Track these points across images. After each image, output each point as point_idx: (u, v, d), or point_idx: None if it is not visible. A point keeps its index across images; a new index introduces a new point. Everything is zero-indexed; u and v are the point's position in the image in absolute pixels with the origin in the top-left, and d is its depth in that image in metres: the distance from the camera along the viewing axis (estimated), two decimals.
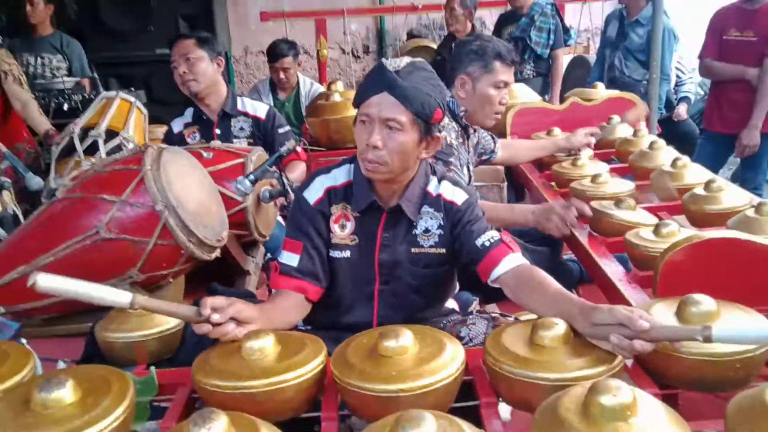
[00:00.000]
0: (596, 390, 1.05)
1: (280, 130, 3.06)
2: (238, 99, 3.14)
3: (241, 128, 3.07)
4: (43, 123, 3.46)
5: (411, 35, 6.44)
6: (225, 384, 1.28)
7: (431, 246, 1.77)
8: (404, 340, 1.33)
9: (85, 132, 3.18)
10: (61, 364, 1.80)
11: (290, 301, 1.71)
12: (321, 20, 6.09)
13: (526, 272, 1.65)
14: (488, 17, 6.43)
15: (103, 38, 5.16)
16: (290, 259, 1.72)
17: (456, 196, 1.77)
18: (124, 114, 3.42)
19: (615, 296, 1.90)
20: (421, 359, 1.31)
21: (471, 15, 4.91)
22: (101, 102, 3.44)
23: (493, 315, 1.77)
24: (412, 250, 1.77)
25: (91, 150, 3.11)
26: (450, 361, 1.31)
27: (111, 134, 3.23)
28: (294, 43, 4.76)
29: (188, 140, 3.06)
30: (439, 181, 1.80)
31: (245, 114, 3.10)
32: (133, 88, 4.92)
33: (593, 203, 2.32)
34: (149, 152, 2.12)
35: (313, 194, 1.76)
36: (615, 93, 3.78)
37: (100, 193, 2.09)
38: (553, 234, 2.29)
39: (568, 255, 2.65)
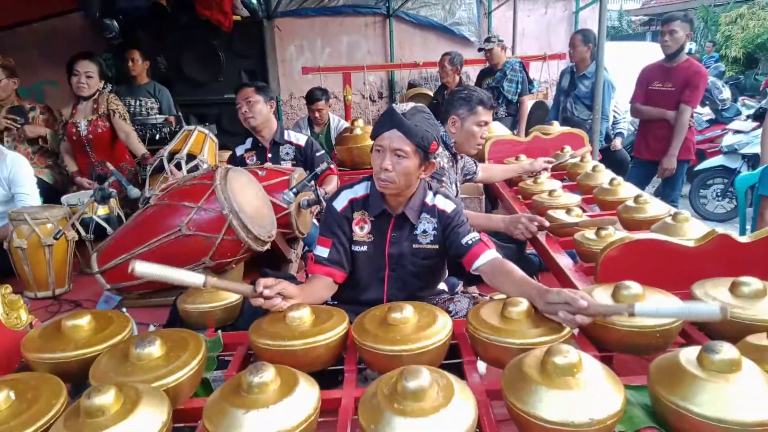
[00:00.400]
0: (551, 352, 1.04)
1: (317, 154, 3.06)
2: (285, 131, 3.14)
3: (287, 153, 3.08)
4: (140, 149, 3.47)
5: (411, 85, 6.44)
6: (273, 343, 1.29)
7: (428, 243, 1.78)
8: (407, 313, 1.33)
9: (171, 155, 3.19)
10: (151, 327, 1.81)
11: (322, 283, 1.73)
12: (347, 73, 6.11)
13: (498, 263, 1.66)
14: (472, 72, 6.42)
15: (186, 86, 5.19)
16: (322, 251, 1.76)
17: (447, 206, 1.79)
18: (201, 142, 3.42)
19: (566, 282, 1.88)
20: (419, 327, 1.31)
21: (458, 70, 4.91)
22: (183, 133, 3.44)
23: (474, 295, 1.77)
24: (413, 246, 1.78)
25: (177, 169, 3.12)
26: (441, 329, 1.31)
27: (190, 157, 3.24)
28: (326, 90, 4.77)
29: (247, 162, 3.07)
30: (434, 194, 1.81)
31: (290, 143, 3.10)
32: (207, 123, 4.94)
33: (550, 212, 2.30)
34: (219, 171, 2.13)
35: (340, 204, 1.79)
36: (567, 129, 3.76)
37: (182, 201, 2.10)
38: (519, 239, 2.28)
39: (530, 250, 2.63)
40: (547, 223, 2.25)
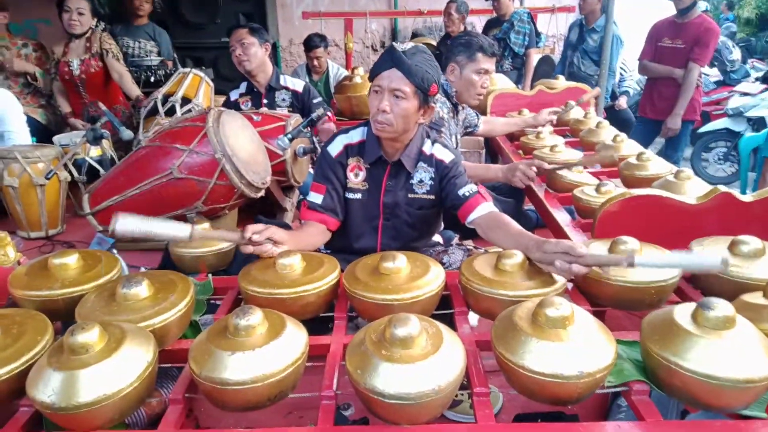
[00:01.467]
0: (543, 304, 1.02)
1: (314, 101, 2.97)
2: (281, 76, 3.04)
3: (283, 99, 2.99)
4: (134, 90, 3.38)
5: (415, 35, 6.24)
6: (262, 290, 1.26)
7: (424, 193, 1.74)
8: (399, 263, 1.30)
9: (165, 98, 3.11)
10: (142, 269, 1.79)
11: (315, 230, 1.70)
12: (349, 20, 5.91)
13: (494, 217, 1.62)
14: (477, 22, 6.21)
15: (182, 28, 5.02)
16: (316, 198, 1.71)
17: (444, 155, 1.73)
18: (196, 86, 3.33)
19: (563, 237, 1.86)
20: (412, 277, 1.28)
21: (464, 19, 4.74)
22: (178, 76, 3.35)
23: (468, 247, 1.74)
24: (409, 195, 1.74)
25: (170, 112, 3.05)
26: (433, 280, 1.29)
27: (185, 101, 3.16)
28: (324, 36, 4.61)
29: (242, 107, 2.99)
30: (433, 143, 1.75)
31: (286, 88, 3.01)
32: (203, 67, 4.80)
33: (548, 167, 2.25)
34: (211, 113, 2.07)
35: (335, 149, 1.73)
36: (572, 84, 3.66)
37: (174, 143, 2.04)
38: (517, 185, 2.24)
39: (528, 206, 2.60)
40: (546, 165, 2.21)
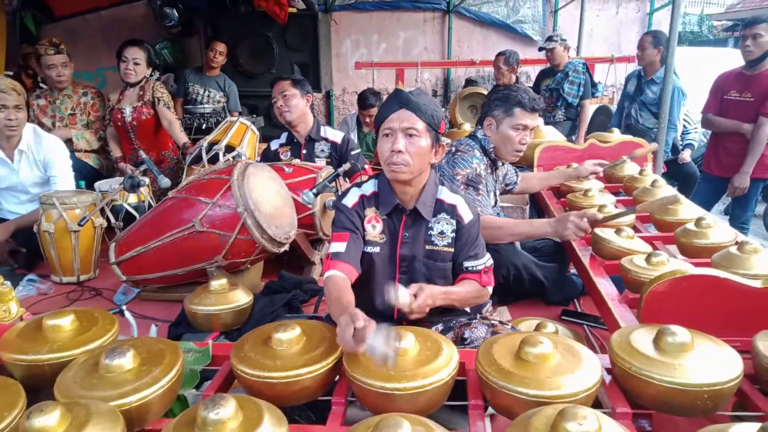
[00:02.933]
0: (565, 416, 0.85)
1: (352, 153, 2.90)
2: (321, 127, 3.00)
3: (322, 150, 2.94)
4: (182, 138, 3.44)
5: (469, 82, 6.16)
6: (251, 372, 1.13)
7: (445, 245, 1.63)
8: (406, 343, 1.15)
9: (210, 146, 3.15)
10: (153, 328, 1.72)
11: (341, 284, 1.52)
12: (400, 70, 5.95)
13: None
14: (533, 72, 6.10)
15: (238, 77, 5.16)
16: (339, 247, 1.58)
17: (465, 213, 1.63)
18: (241, 134, 3.36)
19: (607, 313, 1.65)
20: (419, 361, 1.13)
21: (514, 70, 4.64)
22: (225, 124, 3.40)
23: (493, 322, 1.56)
24: (427, 247, 1.62)
25: (213, 160, 3.07)
26: (443, 366, 1.12)
27: (229, 149, 3.19)
28: (379, 93, 4.61)
29: (281, 157, 2.95)
30: (453, 192, 1.66)
31: (326, 139, 2.95)
32: (256, 115, 4.91)
33: (597, 230, 2.04)
34: (238, 166, 2.02)
35: (350, 200, 1.64)
36: (627, 137, 3.43)
37: (199, 195, 2.01)
38: (569, 239, 2.03)
39: (574, 271, 2.38)
40: (599, 216, 2.00)
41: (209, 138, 3.25)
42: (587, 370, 1.10)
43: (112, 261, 2.10)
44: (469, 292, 1.60)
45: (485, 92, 5.65)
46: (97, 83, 5.54)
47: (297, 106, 2.86)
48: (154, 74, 3.51)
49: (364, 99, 4.51)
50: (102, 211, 2.53)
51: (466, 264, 1.60)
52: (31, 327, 1.30)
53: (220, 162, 3.04)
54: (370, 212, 1.63)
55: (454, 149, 2.21)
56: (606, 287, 1.78)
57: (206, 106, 4.34)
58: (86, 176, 3.22)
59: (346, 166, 2.14)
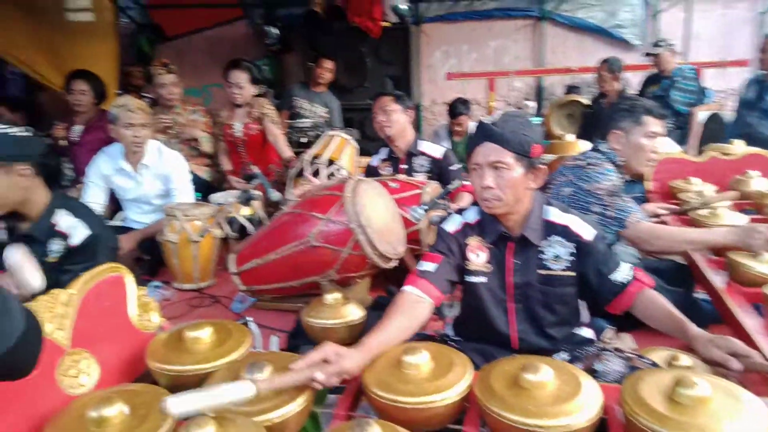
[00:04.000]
0: None
1: (452, 168, 2.88)
2: (420, 142, 3.00)
3: (422, 164, 2.93)
4: (286, 152, 3.57)
5: (569, 89, 5.93)
6: (385, 396, 1.13)
7: (562, 269, 1.53)
8: (544, 375, 1.10)
9: (313, 160, 3.24)
10: (273, 339, 1.77)
11: (411, 313, 1.47)
12: (491, 79, 5.86)
13: (649, 295, 1.51)
14: (633, 78, 5.78)
15: (334, 91, 5.26)
16: (428, 266, 1.56)
17: (583, 230, 1.54)
18: (341, 148, 3.43)
19: (750, 344, 1.50)
20: (559, 396, 1.07)
21: (617, 77, 4.43)
22: (325, 138, 3.48)
23: (629, 355, 1.45)
24: (540, 272, 1.54)
25: (315, 173, 3.15)
26: (588, 404, 1.05)
27: (330, 163, 3.26)
28: (468, 102, 4.57)
29: (382, 172, 2.99)
30: (564, 212, 1.57)
31: (425, 154, 2.95)
32: (351, 128, 5.00)
33: (729, 254, 1.87)
34: (350, 182, 2.06)
35: (451, 226, 1.61)
36: (754, 149, 3.12)
37: (312, 211, 2.06)
38: (756, 251, 1.85)
39: (701, 295, 2.19)
40: None
41: (311, 152, 3.34)
42: (752, 419, 0.99)
43: (232, 271, 2.20)
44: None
45: (584, 100, 5.44)
46: (203, 99, 5.89)
47: (398, 121, 2.88)
48: (261, 89, 3.67)
49: (454, 108, 4.49)
50: (219, 222, 2.66)
51: (615, 277, 1.50)
52: (173, 337, 1.37)
53: (323, 175, 3.12)
54: (473, 241, 1.58)
55: (583, 163, 2.14)
56: (749, 319, 1.62)
57: (306, 120, 4.48)
58: (200, 188, 3.42)
59: (456, 183, 2.12)
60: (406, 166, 2.93)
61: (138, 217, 3.09)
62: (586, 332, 1.64)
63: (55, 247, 1.84)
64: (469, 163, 1.52)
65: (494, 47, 6.39)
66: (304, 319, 1.85)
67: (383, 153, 3.05)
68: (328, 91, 4.87)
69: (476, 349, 1.58)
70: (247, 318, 1.74)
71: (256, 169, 2.82)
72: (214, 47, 6.04)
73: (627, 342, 1.89)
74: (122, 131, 2.79)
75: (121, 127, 2.78)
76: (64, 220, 1.84)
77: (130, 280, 1.44)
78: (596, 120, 2.39)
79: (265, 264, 2.11)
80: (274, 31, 5.46)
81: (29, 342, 0.92)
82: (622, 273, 1.51)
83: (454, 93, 6.12)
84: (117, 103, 2.85)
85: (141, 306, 1.47)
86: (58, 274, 1.82)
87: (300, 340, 1.88)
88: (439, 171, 2.88)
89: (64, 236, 1.84)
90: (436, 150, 2.95)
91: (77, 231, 1.85)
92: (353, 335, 1.86)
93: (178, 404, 0.97)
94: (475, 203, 1.65)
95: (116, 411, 1.04)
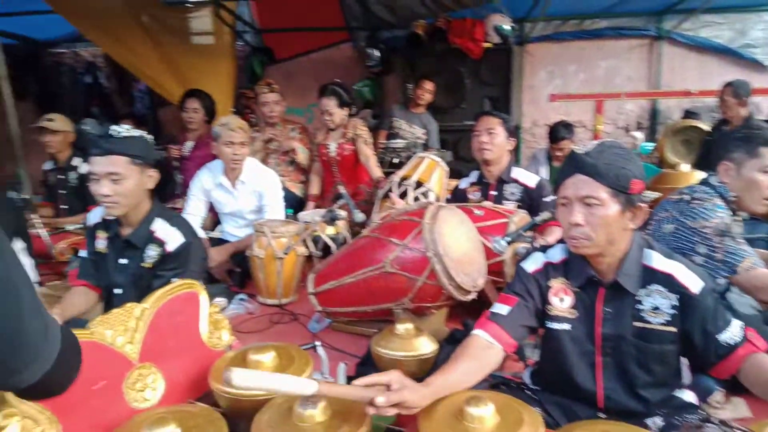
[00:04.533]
0: None
1: (545, 199, 2.69)
2: (514, 169, 2.84)
3: (512, 192, 2.77)
4: (377, 172, 3.58)
5: (687, 114, 5.43)
6: None
7: (661, 324, 1.33)
8: None
9: (401, 181, 3.21)
10: (341, 366, 1.73)
11: (482, 353, 1.37)
12: (600, 101, 5.51)
13: (760, 360, 1.27)
14: (764, 104, 5.18)
15: (431, 111, 5.25)
16: (501, 308, 1.44)
17: (690, 281, 1.33)
18: (431, 170, 3.37)
19: None
20: None
21: (744, 103, 3.96)
22: (416, 159, 3.45)
23: (742, 430, 1.23)
24: (636, 324, 1.35)
25: (403, 195, 3.12)
26: None
27: (419, 184, 3.21)
28: (572, 126, 4.32)
29: (469, 196, 2.87)
30: (667, 257, 1.37)
31: (517, 181, 2.78)
32: (443, 149, 4.94)
33: None
34: (430, 209, 1.99)
35: (531, 265, 1.47)
36: None
37: (390, 236, 2.01)
38: None
39: None
40: None
41: (400, 173, 3.32)
42: None
43: (310, 291, 2.21)
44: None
45: (705, 127, 4.95)
46: (307, 118, 6.13)
47: (500, 145, 2.74)
48: (353, 111, 3.70)
49: (556, 132, 4.26)
50: (304, 240, 2.70)
51: (724, 337, 1.29)
52: (237, 359, 1.38)
53: (410, 197, 3.08)
54: (557, 283, 1.43)
55: (688, 197, 1.91)
56: None
57: (399, 141, 4.49)
58: (292, 204, 3.53)
59: (546, 215, 1.96)
60: (495, 193, 2.79)
61: (233, 231, 3.23)
62: (688, 395, 1.43)
63: (152, 252, 1.96)
64: (558, 196, 1.38)
65: (605, 67, 6.04)
66: (373, 348, 1.80)
67: (473, 176, 2.94)
68: (427, 112, 4.89)
69: (557, 403, 1.44)
70: (317, 343, 1.71)
71: (342, 189, 2.84)
72: (319, 69, 6.27)
73: (740, 409, 1.63)
74: (223, 148, 2.94)
75: (222, 145, 2.94)
76: (161, 228, 1.96)
77: (204, 297, 1.47)
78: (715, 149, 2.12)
79: (340, 286, 2.09)
80: (376, 53, 5.55)
81: (66, 363, 0.95)
82: (732, 333, 1.30)
83: (557, 115, 5.85)
84: (220, 121, 3.01)
85: (212, 323, 1.50)
86: (150, 279, 1.94)
87: (369, 368, 1.82)
88: (530, 201, 2.71)
89: (160, 243, 1.95)
90: (531, 178, 2.78)
91: (173, 238, 1.95)
92: (424, 369, 1.77)
93: (241, 377, 1.01)
94: (562, 240, 1.51)
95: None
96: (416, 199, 3.08)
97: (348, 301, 2.12)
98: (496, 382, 1.67)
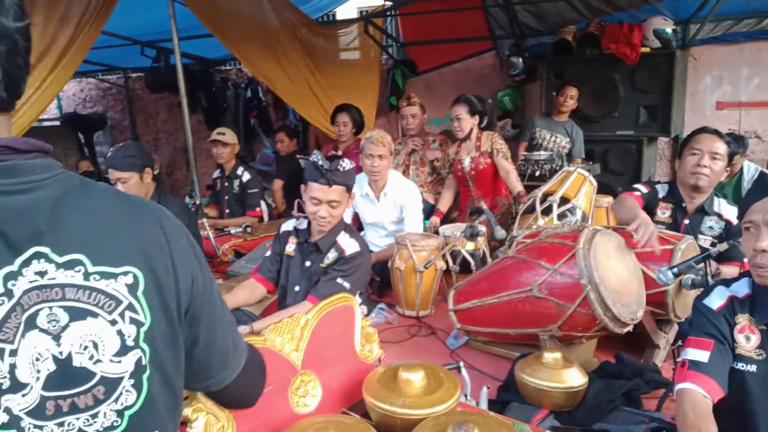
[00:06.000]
0: None
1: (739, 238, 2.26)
2: (717, 201, 2.40)
3: (710, 227, 2.36)
4: (518, 187, 3.47)
5: None
6: None
7: None
8: None
9: (545, 196, 3.09)
10: (484, 390, 1.71)
11: (702, 408, 1.24)
12: None
13: None
14: None
15: (577, 121, 4.99)
16: (698, 355, 1.30)
17: None
18: (578, 185, 3.21)
19: None
20: None
21: None
22: (562, 174, 3.30)
23: None
24: None
25: (547, 211, 3.00)
26: None
27: (564, 200, 3.07)
28: (743, 138, 3.85)
29: (657, 211, 2.47)
30: None
31: (719, 215, 2.38)
32: (592, 162, 4.68)
33: None
34: (585, 232, 1.89)
35: (715, 301, 1.34)
36: None
37: (539, 259, 1.95)
38: None
39: None
40: None
41: (544, 188, 3.19)
42: None
43: (450, 308, 2.22)
44: None
45: None
46: (443, 128, 6.17)
47: (719, 174, 2.32)
48: (483, 122, 3.60)
49: None
50: (444, 255, 2.72)
51: None
52: (388, 375, 1.42)
53: (554, 214, 2.96)
54: (742, 319, 1.30)
55: None
56: None
57: (542, 153, 4.33)
58: (430, 216, 3.57)
59: (722, 246, 1.75)
60: (688, 223, 2.38)
61: (375, 240, 3.35)
62: None
63: (331, 255, 2.24)
64: (744, 219, 1.26)
65: None
66: (518, 374, 1.76)
67: (664, 188, 2.50)
68: (571, 120, 4.67)
69: None
70: (460, 363, 1.71)
71: (483, 205, 2.80)
72: (460, 79, 6.28)
73: None
74: (364, 160, 3.08)
75: (364, 157, 3.07)
76: (343, 238, 2.26)
77: (358, 311, 1.55)
78: None
79: (482, 306, 2.07)
80: (521, 62, 5.42)
81: (252, 374, 1.04)
82: None
83: (724, 125, 5.25)
84: (367, 135, 3.14)
85: (364, 336, 1.56)
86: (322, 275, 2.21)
87: (511, 395, 1.78)
88: (726, 235, 2.31)
89: (340, 249, 2.24)
90: (735, 213, 2.31)
91: (351, 247, 2.24)
92: (573, 402, 1.70)
93: None
94: (743, 275, 1.35)
95: None
96: (561, 216, 2.95)
97: (489, 321, 2.09)
98: (656, 426, 1.55)
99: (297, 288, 2.26)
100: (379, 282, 3.06)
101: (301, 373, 1.34)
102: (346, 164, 2.11)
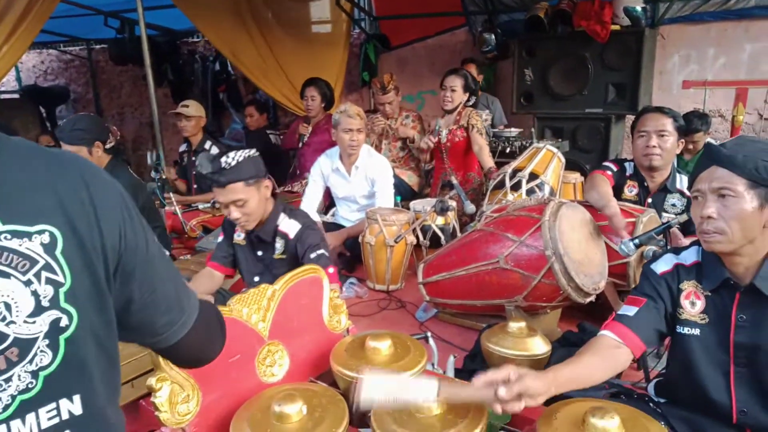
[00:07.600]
0: None
1: None
2: (678, 176, 2.41)
3: (673, 204, 2.41)
4: (489, 162, 3.51)
5: None
6: None
7: None
8: None
9: (515, 172, 3.13)
10: (450, 359, 1.74)
11: (609, 353, 1.33)
12: (743, 89, 4.96)
13: None
14: None
15: (548, 99, 5.06)
16: (628, 310, 1.38)
17: None
18: (547, 162, 3.25)
19: None
20: None
21: None
22: (531, 150, 3.35)
23: None
24: None
25: (516, 187, 3.04)
26: None
27: (533, 176, 3.12)
28: (707, 116, 3.94)
29: (625, 189, 2.49)
30: None
31: (682, 192, 2.38)
32: (561, 139, 4.74)
33: None
34: (551, 205, 1.92)
35: (661, 266, 1.40)
36: None
37: (506, 231, 1.98)
38: None
39: None
40: None
41: (514, 164, 3.23)
42: None
43: (419, 281, 2.25)
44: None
45: None
46: (416, 105, 6.15)
47: (670, 150, 2.37)
48: (471, 100, 3.65)
49: (688, 122, 3.87)
50: (414, 229, 2.74)
51: None
52: (356, 344, 1.44)
53: (523, 190, 3.00)
54: (688, 286, 1.35)
55: None
56: None
57: (513, 130, 4.37)
58: (402, 192, 3.58)
59: (682, 217, 1.81)
60: (652, 201, 2.41)
61: (346, 215, 3.35)
62: None
63: (278, 245, 2.12)
64: (692, 191, 1.31)
65: (750, 51, 5.42)
66: (484, 344, 1.79)
67: (630, 167, 2.51)
68: (485, 93, 4.90)
69: (684, 418, 1.36)
70: (428, 333, 1.74)
71: (454, 180, 2.82)
72: (433, 55, 6.25)
73: None
74: (341, 135, 3.05)
75: (341, 131, 3.05)
76: (283, 222, 2.10)
77: (326, 282, 1.55)
78: None
79: (450, 278, 2.10)
80: (493, 38, 5.42)
81: (205, 331, 0.96)
82: None
83: (690, 103, 5.37)
84: (339, 108, 3.12)
85: (332, 307, 1.57)
86: (282, 268, 2.04)
87: (477, 364, 1.82)
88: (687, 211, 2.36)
89: (284, 235, 2.10)
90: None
91: (292, 228, 2.09)
92: (536, 369, 1.74)
93: (369, 388, 1.08)
94: (692, 244, 1.41)
95: (296, 409, 1.13)
96: (530, 191, 3.00)
97: (457, 293, 2.12)
98: (615, 391, 1.60)
99: (257, 279, 2.16)
100: (349, 256, 3.07)
101: (268, 343, 1.35)
102: (232, 158, 1.88)
